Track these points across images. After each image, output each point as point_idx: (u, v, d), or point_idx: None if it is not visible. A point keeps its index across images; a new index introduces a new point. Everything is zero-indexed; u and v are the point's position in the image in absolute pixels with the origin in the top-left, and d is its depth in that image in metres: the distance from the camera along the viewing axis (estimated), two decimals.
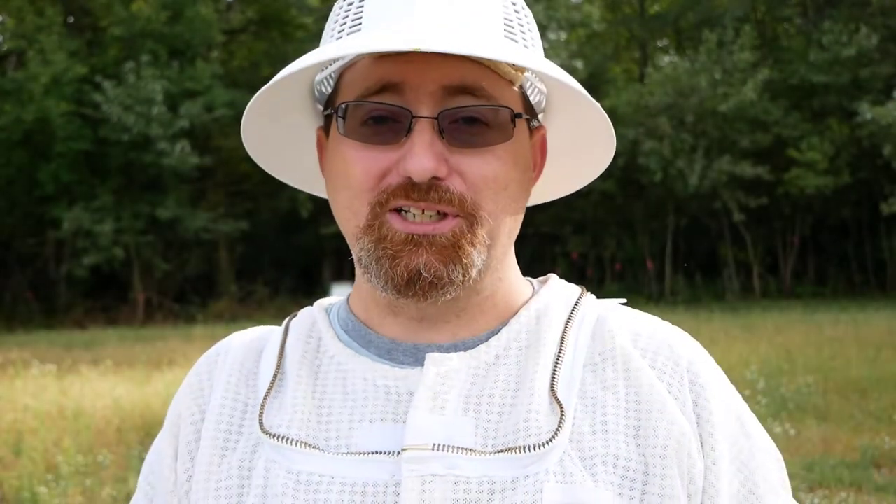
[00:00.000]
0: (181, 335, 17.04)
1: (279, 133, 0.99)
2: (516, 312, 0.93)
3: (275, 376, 0.93)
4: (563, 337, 0.92)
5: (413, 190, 0.84)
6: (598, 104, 0.89)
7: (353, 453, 0.86)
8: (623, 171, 25.27)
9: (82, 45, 24.98)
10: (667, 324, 0.98)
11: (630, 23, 30.13)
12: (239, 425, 0.92)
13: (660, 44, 31.86)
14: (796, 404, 8.08)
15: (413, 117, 0.84)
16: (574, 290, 1.00)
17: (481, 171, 0.85)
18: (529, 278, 1.02)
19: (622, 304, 1.01)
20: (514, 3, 0.91)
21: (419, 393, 0.86)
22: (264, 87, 0.88)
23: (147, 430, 7.59)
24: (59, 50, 23.21)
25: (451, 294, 0.87)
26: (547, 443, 0.84)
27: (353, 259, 0.92)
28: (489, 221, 0.86)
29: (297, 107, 0.97)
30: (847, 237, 26.59)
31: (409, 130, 0.84)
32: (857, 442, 6.67)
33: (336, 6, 0.92)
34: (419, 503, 0.82)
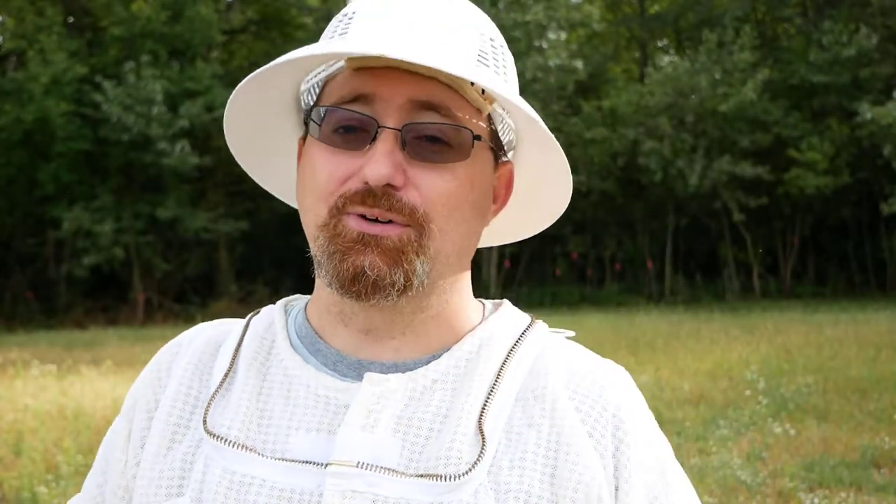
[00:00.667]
0: None
1: (266, 141, 1.04)
2: (461, 338, 0.95)
3: (226, 374, 0.96)
4: (501, 369, 0.93)
5: (369, 196, 0.88)
6: (558, 144, 0.93)
7: (286, 459, 0.89)
8: (623, 171, 25.28)
9: (82, 45, 24.97)
10: (608, 364, 0.99)
11: (630, 23, 30.13)
12: (188, 419, 0.96)
13: (660, 44, 31.86)
14: (796, 404, 8.07)
15: (379, 127, 0.88)
16: (524, 319, 1.00)
17: (437, 186, 0.89)
18: (483, 300, 1.03)
19: (569, 337, 1.02)
20: (492, 39, 0.95)
21: (352, 409, 0.89)
22: (239, 85, 0.94)
23: None
24: (59, 50, 23.20)
25: (392, 297, 0.89)
26: (464, 474, 0.86)
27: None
28: (438, 237, 0.90)
29: (285, 115, 1.02)
30: (847, 237, 26.58)
31: (373, 139, 0.88)
32: (857, 442, 6.67)
33: (334, 19, 0.97)
34: None
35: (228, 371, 0.97)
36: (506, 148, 0.98)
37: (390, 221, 0.89)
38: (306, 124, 0.96)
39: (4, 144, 23.20)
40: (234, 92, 0.95)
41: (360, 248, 0.88)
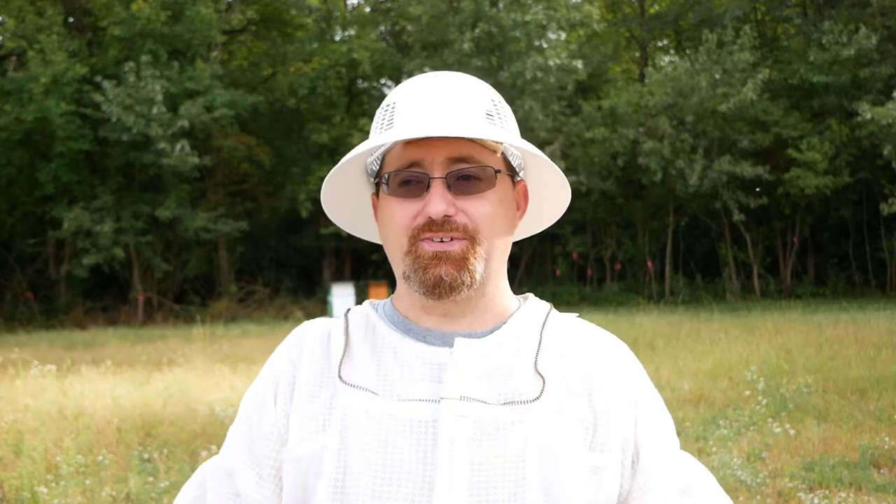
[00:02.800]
0: (181, 335, 17.03)
1: (349, 201, 1.46)
2: (511, 315, 1.37)
3: (344, 349, 1.34)
4: (541, 334, 1.35)
5: (433, 225, 1.28)
6: (549, 160, 1.35)
7: (404, 400, 1.27)
8: (623, 171, 25.27)
9: (82, 45, 24.97)
10: (604, 331, 1.43)
11: (630, 23, 30.15)
12: (320, 382, 1.33)
13: (660, 44, 31.86)
14: (796, 404, 8.07)
15: (430, 178, 1.29)
16: (545, 304, 1.43)
17: (477, 209, 1.30)
18: (514, 295, 1.43)
19: (577, 316, 1.44)
20: (492, 100, 1.35)
21: (452, 363, 1.29)
22: (335, 167, 1.36)
23: (147, 430, 7.58)
24: (59, 50, 23.19)
25: (463, 293, 1.29)
26: (534, 400, 1.28)
27: (390, 272, 1.33)
28: (485, 242, 1.30)
29: (356, 180, 1.43)
30: (847, 237, 26.59)
31: (428, 187, 1.29)
32: (857, 442, 6.66)
33: (378, 111, 1.37)
34: (452, 434, 1.24)
35: (345, 347, 1.35)
36: (517, 170, 1.38)
37: (452, 239, 1.28)
38: (377, 185, 1.36)
39: (4, 144, 23.20)
40: (326, 178, 1.37)
41: (436, 263, 1.28)
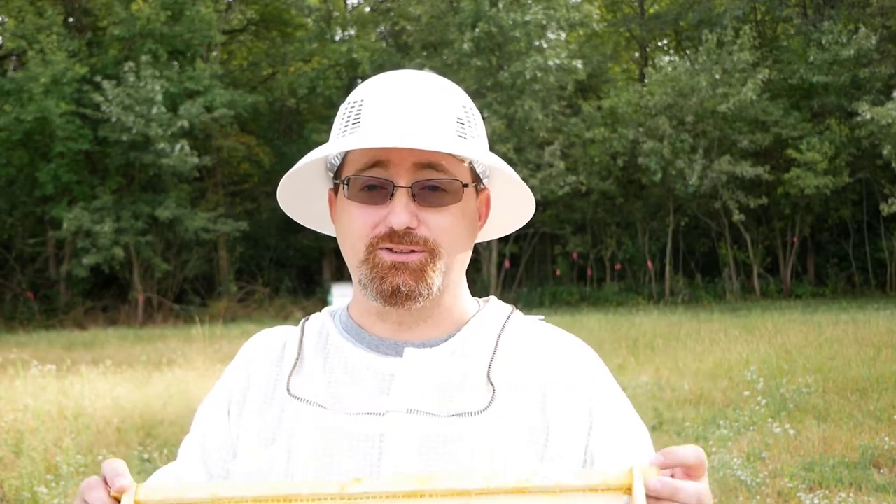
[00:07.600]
0: (181, 335, 17.03)
1: (302, 192, 1.41)
2: (467, 322, 1.34)
3: (296, 360, 1.33)
4: (497, 341, 1.32)
5: (395, 236, 1.24)
6: (517, 175, 1.31)
7: (352, 413, 1.25)
8: (623, 171, 25.27)
9: (82, 45, 24.95)
10: (571, 336, 1.38)
11: (630, 23, 30.13)
12: (272, 394, 1.32)
13: (660, 44, 31.86)
14: (796, 404, 8.08)
15: (395, 187, 1.24)
16: (507, 308, 1.40)
17: (440, 223, 1.26)
18: (476, 298, 1.41)
19: (541, 319, 1.41)
20: (464, 106, 1.31)
21: (401, 374, 1.26)
22: (296, 166, 1.32)
23: (147, 430, 7.58)
24: (59, 50, 23.18)
25: (420, 303, 1.27)
26: (483, 411, 1.24)
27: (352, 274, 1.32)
28: (445, 256, 1.27)
29: (315, 173, 1.39)
30: (847, 237, 26.58)
31: (392, 195, 1.24)
32: (857, 442, 6.67)
33: (342, 108, 1.33)
34: (397, 448, 1.22)
35: (298, 357, 1.33)
36: (482, 177, 1.34)
37: (412, 251, 1.25)
38: (336, 184, 1.33)
39: (4, 144, 23.19)
40: (287, 174, 1.33)
41: (394, 272, 1.25)
